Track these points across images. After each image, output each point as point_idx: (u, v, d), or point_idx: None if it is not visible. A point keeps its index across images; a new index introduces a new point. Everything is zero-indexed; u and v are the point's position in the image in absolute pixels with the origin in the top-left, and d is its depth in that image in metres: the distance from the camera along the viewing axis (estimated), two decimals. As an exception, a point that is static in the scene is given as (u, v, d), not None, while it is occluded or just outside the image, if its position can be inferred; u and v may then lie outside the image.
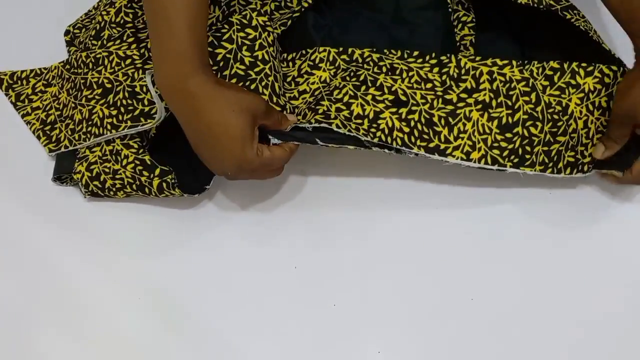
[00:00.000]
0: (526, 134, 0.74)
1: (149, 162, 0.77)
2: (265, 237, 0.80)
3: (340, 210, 0.80)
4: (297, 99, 0.79)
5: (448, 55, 0.78)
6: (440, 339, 0.74)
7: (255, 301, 0.76)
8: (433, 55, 0.78)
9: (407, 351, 0.74)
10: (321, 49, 0.81)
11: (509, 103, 0.75)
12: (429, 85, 0.77)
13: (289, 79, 0.80)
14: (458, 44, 0.80)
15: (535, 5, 0.75)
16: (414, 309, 0.75)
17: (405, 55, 0.79)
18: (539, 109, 0.74)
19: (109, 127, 0.78)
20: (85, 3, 0.92)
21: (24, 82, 0.89)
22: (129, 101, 0.77)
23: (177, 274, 0.78)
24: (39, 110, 0.87)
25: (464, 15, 0.80)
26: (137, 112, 0.77)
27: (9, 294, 0.78)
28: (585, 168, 0.76)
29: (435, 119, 0.75)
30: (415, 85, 0.77)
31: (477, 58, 0.77)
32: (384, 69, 0.78)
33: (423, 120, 0.75)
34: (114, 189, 0.79)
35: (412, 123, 0.74)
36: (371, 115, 0.74)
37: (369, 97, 0.75)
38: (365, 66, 0.78)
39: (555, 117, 0.74)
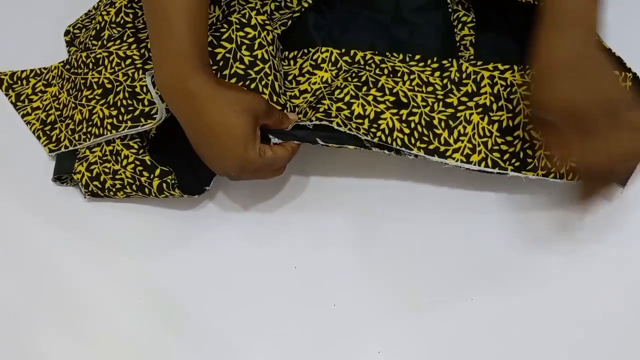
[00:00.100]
0: (527, 137, 0.74)
1: (149, 163, 0.77)
2: (265, 237, 0.80)
3: (340, 211, 0.80)
4: (297, 98, 0.79)
5: (450, 59, 0.78)
6: (440, 339, 0.74)
7: (255, 301, 0.77)
8: (435, 59, 0.78)
9: (407, 351, 0.74)
10: (323, 49, 0.81)
11: (510, 107, 0.75)
12: (430, 89, 0.77)
13: (290, 78, 0.80)
14: (458, 44, 0.80)
15: (536, 2, 0.75)
16: (414, 309, 0.75)
17: (407, 59, 0.79)
18: None
19: (109, 127, 0.78)
20: (85, 3, 0.92)
21: (24, 82, 0.89)
22: (129, 101, 0.77)
23: (177, 274, 0.78)
24: (39, 111, 0.87)
25: (464, 15, 0.80)
26: (137, 112, 0.77)
27: (9, 294, 0.78)
28: None
29: (436, 122, 0.75)
30: (416, 88, 0.77)
31: (479, 62, 0.77)
32: (386, 71, 0.78)
33: (423, 122, 0.75)
34: (114, 190, 0.79)
35: (413, 125, 0.74)
36: (372, 116, 0.74)
37: (370, 98, 0.75)
38: (367, 68, 0.79)
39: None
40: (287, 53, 0.82)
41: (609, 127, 0.64)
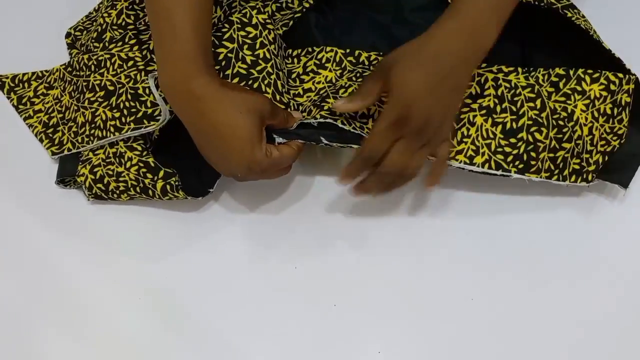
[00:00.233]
0: (531, 139, 0.74)
1: (152, 165, 0.78)
2: (266, 237, 0.80)
3: (341, 211, 0.81)
4: (301, 97, 0.79)
5: None
6: (440, 339, 0.74)
7: (255, 301, 0.76)
8: None
9: (407, 351, 0.74)
10: (328, 48, 0.81)
11: (514, 109, 0.75)
12: None
13: (293, 76, 0.81)
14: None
15: (537, 3, 0.76)
16: (414, 309, 0.75)
17: None
18: (543, 114, 0.74)
19: (112, 129, 0.78)
20: (86, 5, 0.92)
21: (26, 84, 0.90)
22: (132, 103, 0.78)
23: (177, 274, 0.78)
24: (41, 113, 0.87)
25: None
26: (140, 114, 0.77)
27: (10, 294, 0.78)
28: (590, 177, 0.76)
29: None
30: None
31: (483, 65, 0.78)
32: None
33: None
34: (117, 192, 0.80)
35: None
36: (376, 115, 0.75)
37: None
38: (372, 68, 0.79)
39: (561, 123, 0.74)
40: (290, 51, 0.82)
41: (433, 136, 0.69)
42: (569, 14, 0.76)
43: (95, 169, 0.80)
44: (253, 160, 0.69)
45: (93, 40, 0.83)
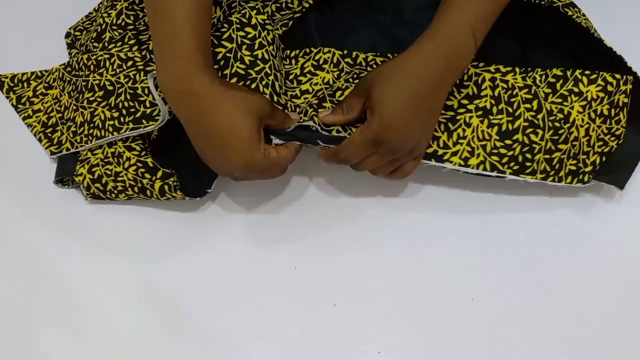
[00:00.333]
0: (526, 141, 0.74)
1: (151, 165, 0.78)
2: (266, 237, 0.80)
3: (340, 211, 0.81)
4: (299, 98, 0.79)
5: None
6: (440, 339, 0.74)
7: (255, 301, 0.76)
8: None
9: (407, 351, 0.74)
10: (325, 49, 0.81)
11: (510, 110, 0.75)
12: None
13: (291, 77, 0.81)
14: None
15: (537, 1, 0.76)
16: (414, 309, 0.75)
17: None
18: (540, 116, 0.74)
19: (110, 129, 0.78)
20: (85, 5, 0.92)
21: (25, 84, 0.90)
22: (131, 103, 0.78)
23: (177, 274, 0.78)
24: (40, 113, 0.87)
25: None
26: (139, 114, 0.77)
27: (10, 294, 0.78)
28: (586, 178, 0.76)
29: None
30: None
31: (480, 64, 0.78)
32: None
33: None
34: (115, 192, 0.80)
35: None
36: None
37: None
38: (369, 69, 0.79)
39: (557, 124, 0.74)
40: (288, 52, 0.82)
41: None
42: (570, 12, 0.76)
43: (94, 169, 0.80)
44: (251, 160, 0.69)
45: (92, 40, 0.83)
